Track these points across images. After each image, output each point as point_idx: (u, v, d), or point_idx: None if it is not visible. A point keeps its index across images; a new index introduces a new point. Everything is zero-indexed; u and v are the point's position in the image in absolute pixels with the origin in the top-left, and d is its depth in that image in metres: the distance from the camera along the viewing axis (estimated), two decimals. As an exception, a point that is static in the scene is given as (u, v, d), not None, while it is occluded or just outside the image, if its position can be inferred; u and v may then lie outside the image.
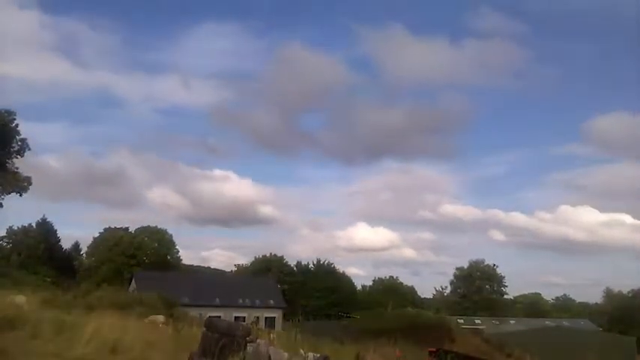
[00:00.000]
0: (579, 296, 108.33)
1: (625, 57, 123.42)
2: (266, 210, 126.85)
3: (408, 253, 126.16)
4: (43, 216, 69.07)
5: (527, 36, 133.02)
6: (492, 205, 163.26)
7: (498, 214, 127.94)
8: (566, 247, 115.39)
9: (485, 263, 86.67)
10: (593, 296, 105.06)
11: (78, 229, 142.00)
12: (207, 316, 15.53)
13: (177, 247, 73.17)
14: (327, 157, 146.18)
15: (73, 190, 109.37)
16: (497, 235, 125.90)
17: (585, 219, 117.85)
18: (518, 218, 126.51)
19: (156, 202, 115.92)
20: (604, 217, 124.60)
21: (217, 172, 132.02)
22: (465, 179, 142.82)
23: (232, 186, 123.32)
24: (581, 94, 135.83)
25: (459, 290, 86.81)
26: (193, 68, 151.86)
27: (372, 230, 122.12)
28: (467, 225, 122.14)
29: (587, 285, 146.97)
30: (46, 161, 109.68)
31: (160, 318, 17.05)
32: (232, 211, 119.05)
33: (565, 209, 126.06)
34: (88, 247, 69.94)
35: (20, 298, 15.58)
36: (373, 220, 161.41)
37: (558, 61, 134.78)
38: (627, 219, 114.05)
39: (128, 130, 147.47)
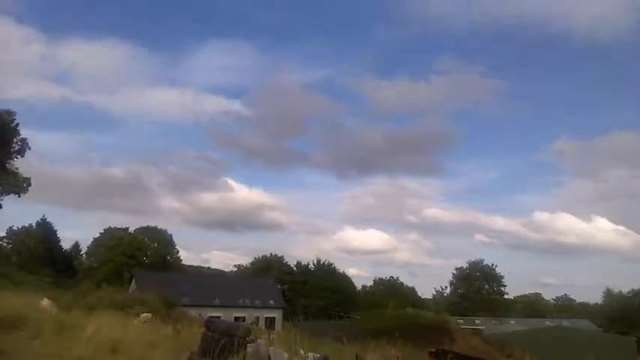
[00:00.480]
0: (579, 296, 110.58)
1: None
2: (267, 215, 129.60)
3: (404, 255, 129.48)
4: (43, 216, 69.22)
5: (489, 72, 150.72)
6: (475, 212, 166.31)
7: (481, 218, 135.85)
8: (551, 249, 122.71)
9: (485, 263, 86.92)
10: (593, 296, 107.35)
11: (80, 232, 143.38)
12: (208, 316, 15.56)
13: (176, 247, 73.33)
14: (323, 172, 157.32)
15: (78, 196, 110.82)
16: (482, 238, 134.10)
17: (564, 223, 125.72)
18: (501, 222, 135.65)
19: (160, 207, 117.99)
20: (583, 221, 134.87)
21: (218, 181, 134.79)
22: (451, 188, 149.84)
23: (234, 193, 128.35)
24: (542, 121, 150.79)
25: (458, 291, 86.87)
26: (195, 84, 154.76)
27: (370, 234, 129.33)
28: (454, 229, 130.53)
29: (574, 286, 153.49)
30: (51, 167, 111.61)
31: (147, 315, 17.14)
32: (233, 215, 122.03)
33: (544, 215, 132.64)
34: (88, 248, 70.04)
35: (45, 302, 15.58)
36: (370, 225, 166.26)
37: (523, 93, 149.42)
38: (604, 223, 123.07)
39: (132, 144, 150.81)
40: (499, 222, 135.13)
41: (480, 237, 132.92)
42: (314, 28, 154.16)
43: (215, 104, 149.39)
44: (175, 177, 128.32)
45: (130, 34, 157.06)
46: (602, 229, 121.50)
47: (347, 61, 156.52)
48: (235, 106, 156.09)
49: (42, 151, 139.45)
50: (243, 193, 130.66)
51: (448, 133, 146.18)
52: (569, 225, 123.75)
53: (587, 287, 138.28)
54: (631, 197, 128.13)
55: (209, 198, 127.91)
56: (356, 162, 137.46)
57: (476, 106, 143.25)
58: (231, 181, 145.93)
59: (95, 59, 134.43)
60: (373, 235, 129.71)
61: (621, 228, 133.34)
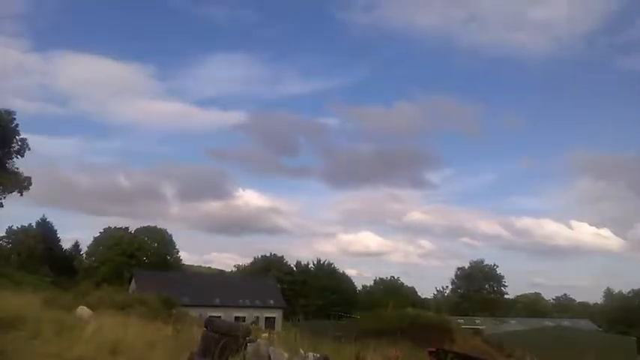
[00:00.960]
0: (579, 296, 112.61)
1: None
2: (267, 219, 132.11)
3: (400, 257, 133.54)
4: (43, 216, 69.23)
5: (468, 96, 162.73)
6: (464, 217, 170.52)
7: (470, 222, 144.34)
8: (537, 252, 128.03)
9: (485, 263, 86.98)
10: (594, 296, 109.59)
11: (81, 233, 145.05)
12: (208, 316, 15.53)
13: (176, 247, 73.29)
14: (321, 181, 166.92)
15: (79, 201, 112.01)
16: (471, 241, 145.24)
17: (546, 227, 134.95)
18: (487, 226, 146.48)
19: (162, 212, 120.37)
20: (563, 225, 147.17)
21: (220, 187, 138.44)
22: (439, 196, 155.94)
23: (236, 199, 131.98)
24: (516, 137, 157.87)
25: (459, 290, 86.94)
26: (197, 96, 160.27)
27: (368, 238, 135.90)
28: (444, 233, 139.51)
29: (561, 286, 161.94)
30: (56, 172, 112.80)
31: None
32: (234, 219, 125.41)
33: (528, 220, 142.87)
34: (88, 247, 70.01)
35: (83, 311, 14.76)
36: (367, 229, 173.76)
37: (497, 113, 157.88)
38: (585, 227, 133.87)
39: (138, 152, 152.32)
40: (485, 225, 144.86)
41: (468, 240, 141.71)
42: (310, 46, 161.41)
43: (218, 116, 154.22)
44: (179, 184, 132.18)
45: (137, 50, 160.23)
46: (584, 232, 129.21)
47: (342, 80, 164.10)
48: (236, 118, 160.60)
49: (46, 156, 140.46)
50: (244, 199, 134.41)
51: (432, 149, 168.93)
52: (551, 229, 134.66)
53: (571, 288, 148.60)
54: (601, 203, 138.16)
55: (210, 202, 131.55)
56: (351, 174, 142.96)
57: (456, 126, 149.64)
58: (233, 188, 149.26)
59: (99, 74, 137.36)
60: (370, 239, 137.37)
61: (605, 231, 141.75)
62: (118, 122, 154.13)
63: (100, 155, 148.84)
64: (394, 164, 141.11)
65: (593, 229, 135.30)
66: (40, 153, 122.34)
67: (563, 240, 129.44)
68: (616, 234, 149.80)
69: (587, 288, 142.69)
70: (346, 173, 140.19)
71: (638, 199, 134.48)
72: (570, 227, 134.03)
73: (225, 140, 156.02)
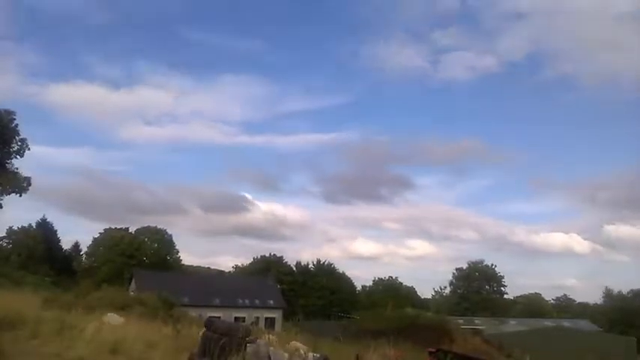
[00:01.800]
0: (579, 296, 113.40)
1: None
2: (268, 224, 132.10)
3: (395, 260, 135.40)
4: (43, 216, 69.13)
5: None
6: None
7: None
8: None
9: (485, 263, 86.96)
10: (593, 297, 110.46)
11: (81, 236, 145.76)
12: (207, 316, 15.54)
13: (176, 247, 73.27)
14: (317, 197, 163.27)
15: (81, 206, 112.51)
16: (452, 245, 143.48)
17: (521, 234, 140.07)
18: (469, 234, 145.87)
19: (166, 215, 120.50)
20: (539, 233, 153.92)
21: (221, 192, 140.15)
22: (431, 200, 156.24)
23: (237, 204, 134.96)
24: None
25: (458, 291, 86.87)
26: (198, 110, 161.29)
27: (364, 243, 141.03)
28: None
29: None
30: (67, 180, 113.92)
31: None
32: (236, 223, 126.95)
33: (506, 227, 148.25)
34: (88, 248, 69.96)
35: (113, 318, 13.98)
36: (362, 235, 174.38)
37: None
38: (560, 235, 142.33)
39: (145, 163, 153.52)
40: (470, 230, 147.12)
41: (457, 243, 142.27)
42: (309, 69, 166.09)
43: (217, 130, 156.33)
44: (181, 192, 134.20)
45: (140, 71, 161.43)
46: (557, 238, 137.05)
47: (336, 102, 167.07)
48: (238, 136, 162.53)
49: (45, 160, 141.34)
50: (245, 205, 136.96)
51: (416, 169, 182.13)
52: (525, 235, 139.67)
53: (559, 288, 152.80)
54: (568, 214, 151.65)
55: (212, 208, 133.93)
56: (345, 190, 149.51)
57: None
58: (233, 195, 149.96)
59: (100, 97, 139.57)
60: (366, 243, 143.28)
61: (574, 236, 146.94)
62: (123, 138, 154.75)
63: (106, 165, 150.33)
64: (383, 182, 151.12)
65: (563, 234, 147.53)
66: (40, 158, 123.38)
67: (538, 244, 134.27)
68: (584, 239, 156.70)
69: (585, 288, 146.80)
70: (340, 190, 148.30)
71: (596, 210, 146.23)
72: (544, 234, 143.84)
73: (225, 154, 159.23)
